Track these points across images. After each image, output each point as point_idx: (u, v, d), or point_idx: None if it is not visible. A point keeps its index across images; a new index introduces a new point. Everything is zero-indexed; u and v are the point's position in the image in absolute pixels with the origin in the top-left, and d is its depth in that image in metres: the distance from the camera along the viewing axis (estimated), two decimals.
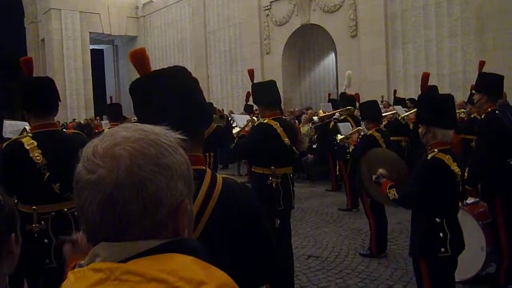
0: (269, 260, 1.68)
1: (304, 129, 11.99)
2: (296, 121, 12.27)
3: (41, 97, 3.23)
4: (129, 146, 0.83)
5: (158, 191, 0.83)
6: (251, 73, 4.99)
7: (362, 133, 6.05)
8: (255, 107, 7.05)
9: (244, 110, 9.59)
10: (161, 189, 0.83)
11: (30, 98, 3.25)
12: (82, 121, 20.70)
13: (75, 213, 3.36)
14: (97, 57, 27.44)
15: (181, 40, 22.64)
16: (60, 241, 1.86)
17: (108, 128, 7.32)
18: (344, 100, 8.50)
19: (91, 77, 24.25)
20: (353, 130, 6.42)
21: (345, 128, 6.68)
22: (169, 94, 1.58)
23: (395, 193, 3.34)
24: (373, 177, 3.60)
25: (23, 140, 3.15)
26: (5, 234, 1.33)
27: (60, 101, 3.35)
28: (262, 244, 1.65)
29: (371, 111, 5.88)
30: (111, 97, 12.29)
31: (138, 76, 1.60)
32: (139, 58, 1.69)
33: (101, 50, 28.81)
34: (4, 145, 3.35)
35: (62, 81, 21.89)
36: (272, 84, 4.64)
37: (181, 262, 0.80)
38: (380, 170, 3.62)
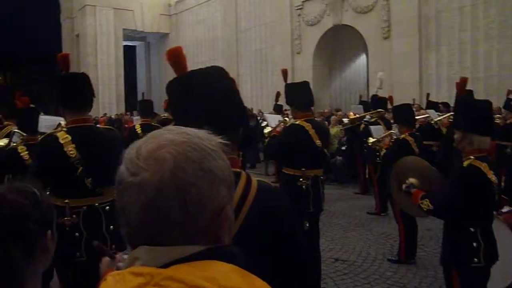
0: (301, 265, 1.65)
1: (333, 130, 11.87)
2: (326, 122, 12.18)
3: (77, 92, 3.28)
4: (173, 149, 0.82)
5: (201, 196, 0.82)
6: (284, 73, 4.97)
7: (395, 137, 5.95)
8: (284, 107, 7.01)
9: (273, 109, 9.57)
10: (204, 194, 0.82)
11: (66, 94, 3.31)
12: (113, 116, 21.04)
13: (106, 208, 3.40)
14: (129, 53, 27.82)
15: (212, 38, 22.77)
16: (100, 248, 1.86)
17: (139, 124, 7.40)
18: (375, 102, 8.39)
19: (123, 73, 24.61)
20: (385, 134, 6.31)
21: (377, 131, 6.58)
22: (206, 94, 1.57)
23: (429, 204, 3.20)
24: (403, 186, 3.50)
25: (58, 134, 3.20)
26: (42, 231, 1.35)
27: (94, 97, 3.40)
28: (294, 248, 1.63)
29: (404, 114, 5.77)
30: (143, 93, 12.36)
31: (170, 72, 1.60)
32: (176, 57, 1.70)
33: (134, 47, 29.21)
34: (39, 138, 3.43)
35: (95, 76, 22.27)
36: (306, 85, 4.62)
37: (221, 269, 0.78)
38: (411, 179, 3.50)
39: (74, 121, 3.25)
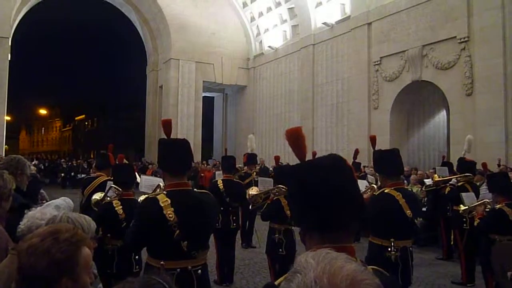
0: None
1: (413, 190, 11.47)
2: (405, 181, 11.81)
3: (177, 158, 3.41)
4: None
5: None
6: (373, 140, 4.88)
7: (489, 206, 5.62)
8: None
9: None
10: None
11: (167, 158, 3.46)
12: None
13: (198, 271, 3.43)
14: (207, 104, 28.87)
15: (288, 91, 23.11)
16: None
17: (221, 179, 7.54)
18: (462, 166, 8.05)
19: (201, 123, 25.46)
20: (479, 202, 5.97)
21: (469, 199, 6.23)
22: (318, 191, 1.58)
23: None
24: (509, 274, 3.27)
25: (158, 197, 3.33)
26: None
27: (193, 161, 3.52)
28: None
29: (500, 183, 5.45)
30: (226, 149, 12.55)
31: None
32: (296, 139, 1.74)
33: (212, 98, 30.32)
34: (141, 200, 3.57)
35: (175, 126, 23.13)
36: (395, 152, 4.54)
37: None
38: None
39: (173, 185, 3.37)
